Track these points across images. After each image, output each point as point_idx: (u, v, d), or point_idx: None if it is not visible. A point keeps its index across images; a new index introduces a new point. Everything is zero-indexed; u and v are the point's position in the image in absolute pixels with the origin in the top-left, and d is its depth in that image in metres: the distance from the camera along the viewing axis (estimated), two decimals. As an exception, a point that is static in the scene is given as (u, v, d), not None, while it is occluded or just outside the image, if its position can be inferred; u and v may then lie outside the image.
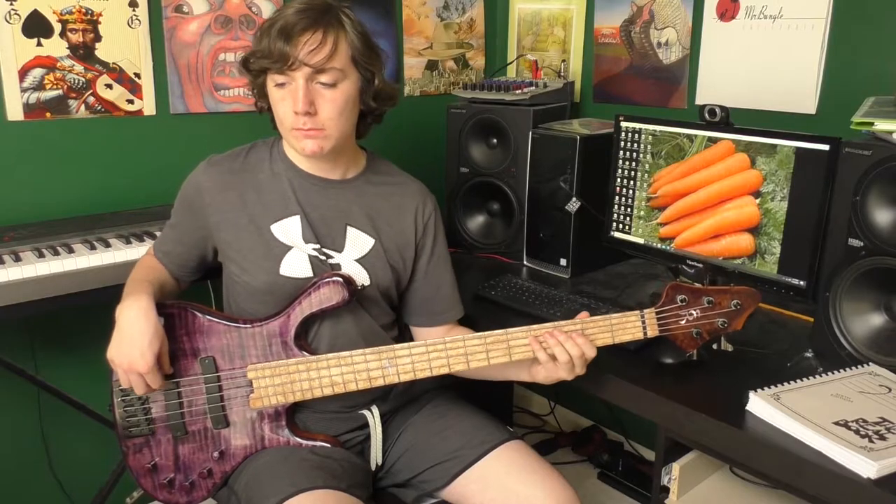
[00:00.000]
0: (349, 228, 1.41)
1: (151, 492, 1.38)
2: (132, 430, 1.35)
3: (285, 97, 1.30)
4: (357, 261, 1.41)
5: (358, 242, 1.41)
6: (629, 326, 1.28)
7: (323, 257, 1.38)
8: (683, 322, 1.28)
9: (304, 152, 1.34)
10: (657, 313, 1.28)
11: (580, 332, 1.26)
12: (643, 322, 1.28)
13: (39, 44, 1.77)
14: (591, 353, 1.26)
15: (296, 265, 1.37)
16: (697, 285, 1.28)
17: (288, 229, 1.38)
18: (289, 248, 1.37)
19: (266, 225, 1.38)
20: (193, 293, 1.52)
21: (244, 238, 1.38)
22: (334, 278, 1.33)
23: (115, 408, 1.35)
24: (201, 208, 1.39)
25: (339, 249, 1.40)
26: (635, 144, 1.77)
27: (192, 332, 1.35)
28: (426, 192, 1.51)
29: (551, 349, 1.25)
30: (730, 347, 1.34)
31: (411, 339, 1.55)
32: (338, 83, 1.30)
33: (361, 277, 1.40)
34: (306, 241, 1.38)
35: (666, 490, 1.42)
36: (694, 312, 1.27)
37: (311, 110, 1.29)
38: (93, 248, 1.63)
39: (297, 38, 1.26)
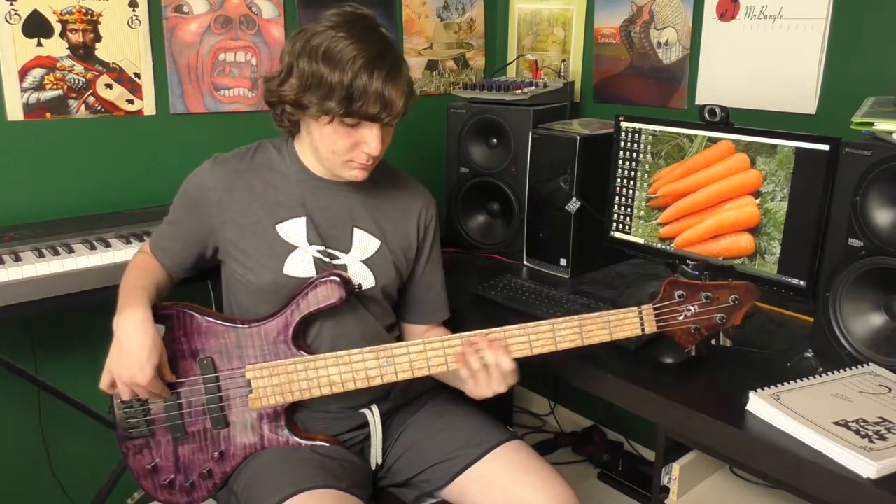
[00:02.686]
0: (356, 230, 1.42)
1: (152, 492, 1.38)
2: (132, 431, 1.35)
3: (351, 134, 1.28)
4: (363, 262, 1.41)
5: (364, 244, 1.42)
6: (627, 323, 1.28)
7: (327, 258, 1.39)
8: (681, 318, 1.27)
9: (354, 179, 1.36)
10: (655, 309, 1.27)
11: (498, 341, 1.25)
12: (641, 318, 1.28)
13: (39, 44, 1.77)
14: (506, 364, 1.24)
15: (300, 265, 1.37)
16: (695, 281, 1.28)
17: (293, 230, 1.38)
18: (294, 247, 1.37)
19: (271, 225, 1.38)
20: (193, 293, 1.52)
21: (249, 237, 1.38)
22: (331, 278, 1.33)
23: (115, 409, 1.35)
24: (206, 207, 1.39)
25: (346, 250, 1.40)
26: (635, 144, 1.77)
27: (190, 333, 1.34)
28: (429, 196, 1.52)
29: (470, 360, 1.24)
30: (729, 343, 1.33)
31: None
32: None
33: (367, 278, 1.41)
34: (311, 243, 1.38)
35: (666, 490, 1.42)
36: (692, 308, 1.27)
37: None
38: (93, 248, 1.63)
39: (394, 91, 1.25)
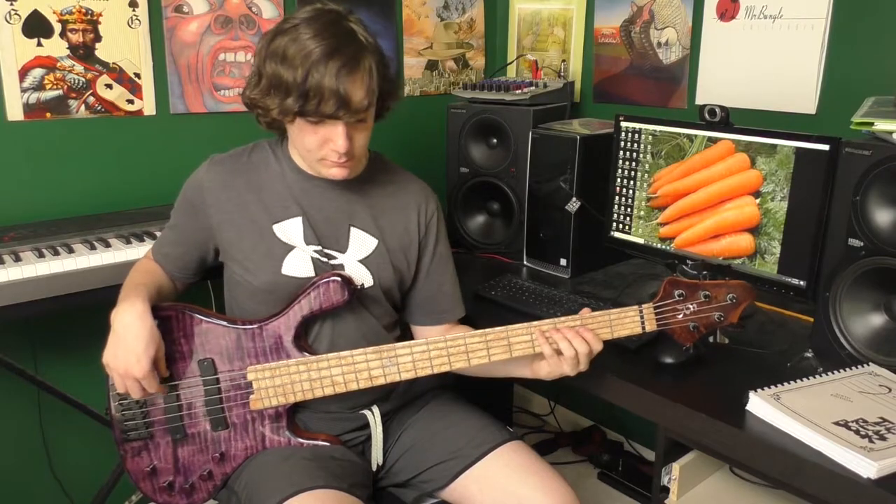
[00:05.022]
0: (353, 229, 1.41)
1: (151, 495, 1.37)
2: (130, 433, 1.34)
3: (317, 132, 1.27)
4: (360, 261, 1.41)
5: (361, 243, 1.41)
6: (627, 321, 1.29)
7: (325, 258, 1.38)
8: (681, 316, 1.29)
9: (332, 178, 1.35)
10: (655, 308, 1.29)
11: (588, 328, 1.27)
12: (641, 317, 1.29)
13: (39, 44, 1.77)
14: (598, 347, 1.27)
15: (298, 265, 1.37)
16: (694, 280, 1.29)
17: (290, 230, 1.38)
18: (291, 247, 1.37)
19: (268, 225, 1.38)
20: (193, 294, 1.52)
21: (246, 238, 1.38)
22: (333, 278, 1.33)
23: (113, 411, 1.34)
24: (204, 208, 1.39)
25: (343, 250, 1.40)
26: (635, 144, 1.77)
27: (190, 334, 1.34)
28: (428, 191, 1.51)
29: (556, 344, 1.25)
30: (726, 340, 1.36)
31: (412, 339, 1.54)
32: (368, 117, 1.30)
33: (365, 278, 1.40)
34: (308, 244, 1.38)
35: (666, 490, 1.42)
36: (691, 307, 1.28)
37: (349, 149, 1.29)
38: (93, 248, 1.63)
39: (350, 85, 1.22)
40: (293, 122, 1.27)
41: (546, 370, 1.30)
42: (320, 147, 1.29)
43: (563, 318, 1.28)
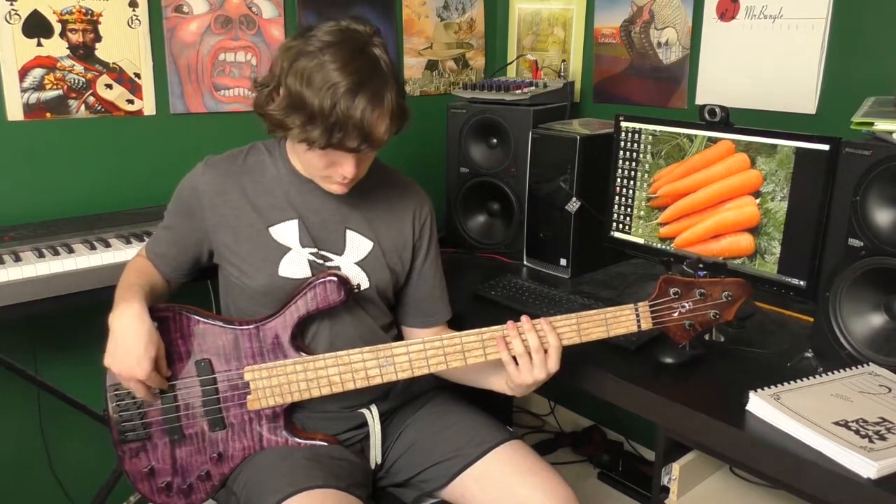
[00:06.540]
0: (348, 232, 1.41)
1: (149, 496, 1.37)
2: (128, 434, 1.34)
3: (326, 155, 1.26)
4: (356, 264, 1.41)
5: (357, 245, 1.42)
6: (623, 320, 1.28)
7: (321, 261, 1.38)
8: (676, 314, 1.28)
9: (333, 192, 1.35)
10: (651, 306, 1.28)
11: (546, 320, 1.26)
12: (637, 315, 1.28)
13: (39, 44, 1.77)
14: (555, 342, 1.25)
15: (295, 266, 1.37)
16: (689, 278, 1.29)
17: (286, 233, 1.38)
18: (287, 249, 1.37)
19: (264, 227, 1.37)
20: (193, 294, 1.52)
21: (242, 240, 1.38)
22: (330, 278, 1.33)
23: (110, 412, 1.34)
24: (199, 210, 1.39)
25: (339, 252, 1.40)
26: (635, 144, 1.77)
27: (187, 335, 1.34)
28: (423, 194, 1.52)
29: (512, 345, 1.25)
30: (721, 338, 1.36)
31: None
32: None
33: (361, 280, 1.40)
34: (304, 246, 1.38)
35: (666, 490, 1.42)
36: (686, 305, 1.28)
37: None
38: (93, 248, 1.63)
39: (374, 121, 1.22)
40: (310, 149, 1.26)
41: (510, 380, 1.29)
42: (326, 168, 1.30)
43: (558, 318, 1.27)
